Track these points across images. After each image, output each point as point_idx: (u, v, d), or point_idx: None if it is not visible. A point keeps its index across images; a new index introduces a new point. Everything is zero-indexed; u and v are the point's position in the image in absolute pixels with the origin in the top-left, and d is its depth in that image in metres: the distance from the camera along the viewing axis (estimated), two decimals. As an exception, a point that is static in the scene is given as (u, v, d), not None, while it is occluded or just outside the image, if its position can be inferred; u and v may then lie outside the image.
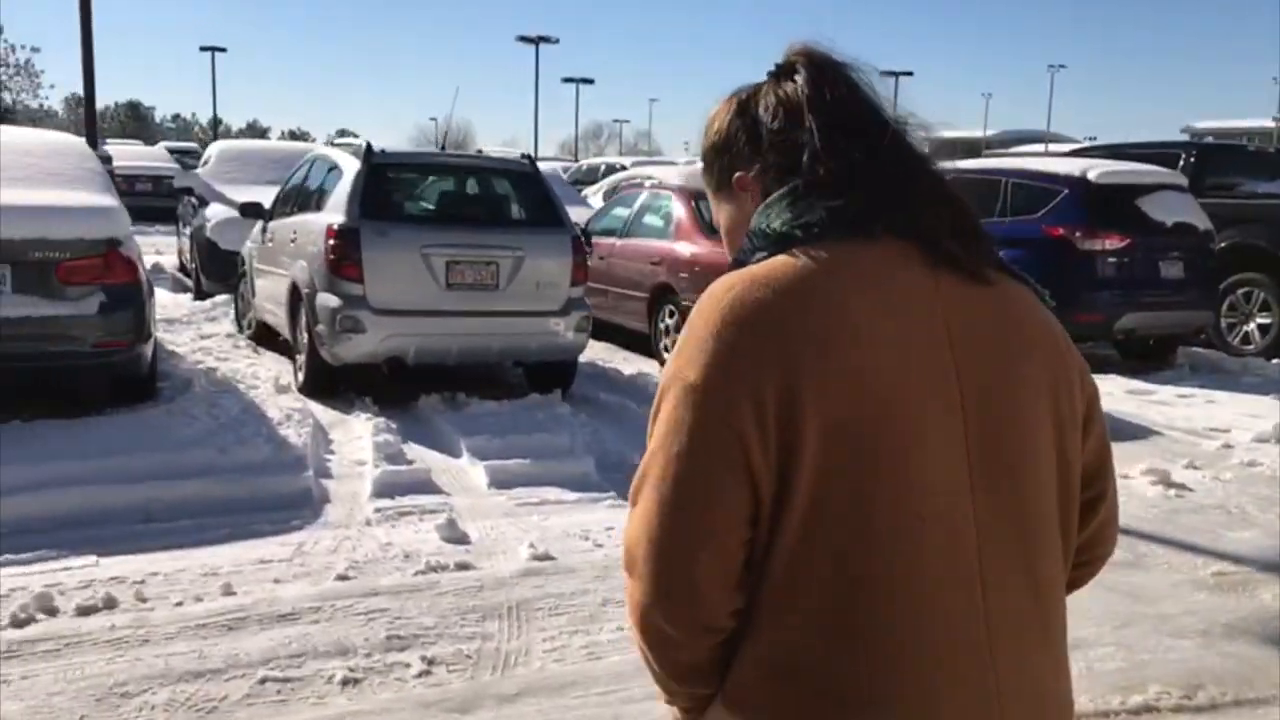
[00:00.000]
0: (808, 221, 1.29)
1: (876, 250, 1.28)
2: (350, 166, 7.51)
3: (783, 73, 1.41)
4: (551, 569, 4.61)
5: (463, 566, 4.58)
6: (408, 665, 3.70)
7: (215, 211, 12.01)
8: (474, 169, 8.14)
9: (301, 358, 7.67)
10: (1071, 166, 10.28)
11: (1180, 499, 6.08)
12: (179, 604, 4.11)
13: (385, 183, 7.49)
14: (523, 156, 8.16)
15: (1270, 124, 67.61)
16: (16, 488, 5.06)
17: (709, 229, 9.28)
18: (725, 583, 1.24)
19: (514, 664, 3.75)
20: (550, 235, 7.58)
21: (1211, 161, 11.83)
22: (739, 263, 1.33)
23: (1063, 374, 1.34)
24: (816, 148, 1.32)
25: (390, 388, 7.51)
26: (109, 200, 6.94)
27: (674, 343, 5.06)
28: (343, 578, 4.41)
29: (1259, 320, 11.00)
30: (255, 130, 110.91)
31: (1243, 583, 4.78)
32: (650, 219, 9.95)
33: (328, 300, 7.14)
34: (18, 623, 3.87)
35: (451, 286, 7.22)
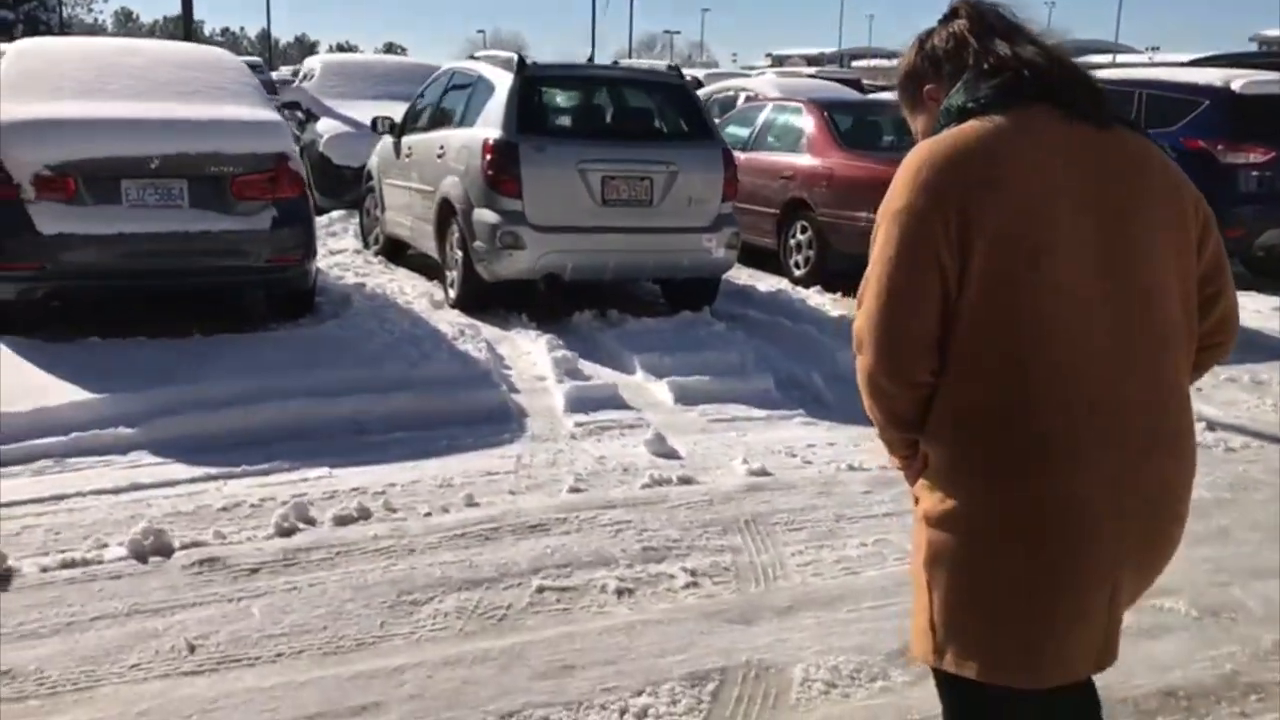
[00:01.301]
0: (977, 97, 1.80)
1: (1027, 112, 1.77)
2: (501, 80, 7.46)
3: (948, 17, 1.95)
4: (772, 484, 4.66)
5: (685, 481, 4.63)
6: (672, 576, 3.77)
7: (327, 126, 12.00)
8: (623, 81, 8.06)
9: (453, 274, 7.70)
10: (1212, 77, 10.01)
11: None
12: (428, 514, 4.20)
13: (538, 96, 7.44)
14: (669, 68, 8.06)
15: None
16: (228, 401, 5.17)
17: (844, 142, 9.18)
18: (927, 345, 1.73)
19: (774, 577, 3.81)
20: (702, 149, 7.52)
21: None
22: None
23: (1180, 198, 1.81)
24: (978, 51, 1.85)
25: (544, 304, 7.55)
26: (273, 114, 6.96)
27: (805, 259, 8.16)
28: (575, 490, 4.48)
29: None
30: (304, 45, 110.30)
31: None
32: (778, 133, 9.83)
33: (486, 216, 7.15)
34: (283, 532, 3.98)
35: (607, 202, 7.20)
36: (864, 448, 5.19)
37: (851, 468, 4.88)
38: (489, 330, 6.98)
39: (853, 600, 3.65)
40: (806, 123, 9.47)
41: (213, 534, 3.93)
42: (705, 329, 7.07)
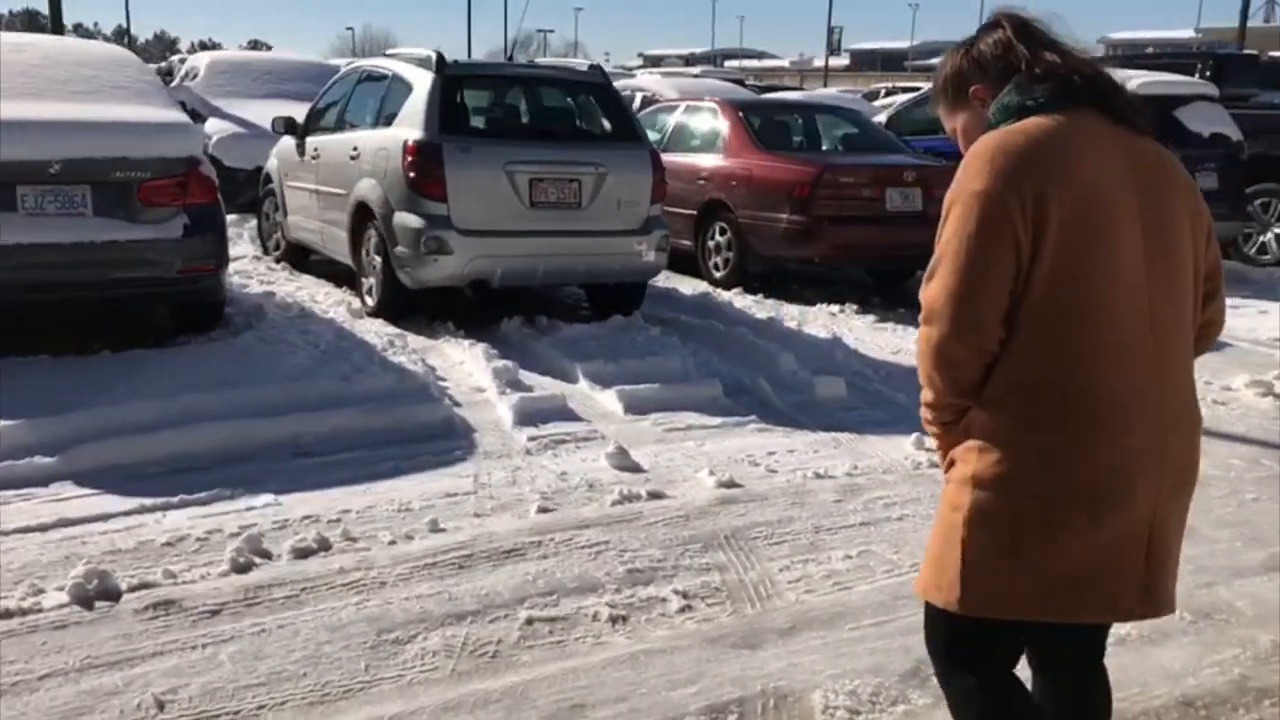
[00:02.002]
0: (1034, 98, 1.98)
1: (1079, 115, 1.96)
2: (419, 79, 7.17)
3: (990, 26, 2.12)
4: (743, 496, 4.52)
5: (655, 495, 4.46)
6: (664, 600, 3.59)
7: (216, 127, 11.48)
8: (547, 81, 7.83)
9: (371, 281, 7.38)
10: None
11: (1289, 409, 6.17)
12: (392, 543, 3.94)
13: (460, 96, 7.18)
14: (591, 67, 7.87)
15: (1190, 34, 68.61)
16: (155, 424, 4.81)
17: (761, 143, 9.12)
18: (998, 317, 1.89)
19: (767, 596, 3.67)
20: (629, 151, 7.35)
21: (1227, 72, 11.90)
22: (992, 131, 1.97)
23: (1194, 202, 2.01)
24: (1029, 57, 2.03)
25: (468, 311, 7.29)
26: (181, 115, 6.55)
27: (725, 261, 8.19)
28: (544, 510, 4.27)
29: (1276, 230, 11.20)
30: (164, 42, 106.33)
31: (1406, 493, 4.87)
32: (693, 135, 9.71)
33: (409, 220, 6.85)
34: (239, 567, 3.67)
35: (535, 205, 6.98)
36: (824, 454, 5.11)
37: (819, 475, 4.78)
38: (416, 340, 6.70)
39: (852, 618, 3.53)
40: (722, 124, 9.38)
41: (162, 573, 3.61)
42: (641, 334, 6.91)
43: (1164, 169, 1.99)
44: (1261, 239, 11.28)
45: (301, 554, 3.80)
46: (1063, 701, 2.23)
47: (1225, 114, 10.35)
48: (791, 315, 7.97)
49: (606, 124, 7.54)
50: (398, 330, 6.78)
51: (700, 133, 9.64)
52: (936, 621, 2.13)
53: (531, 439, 5.11)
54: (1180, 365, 1.99)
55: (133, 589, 3.50)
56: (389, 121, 7.30)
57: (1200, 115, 10.10)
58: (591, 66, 7.89)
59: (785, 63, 57.68)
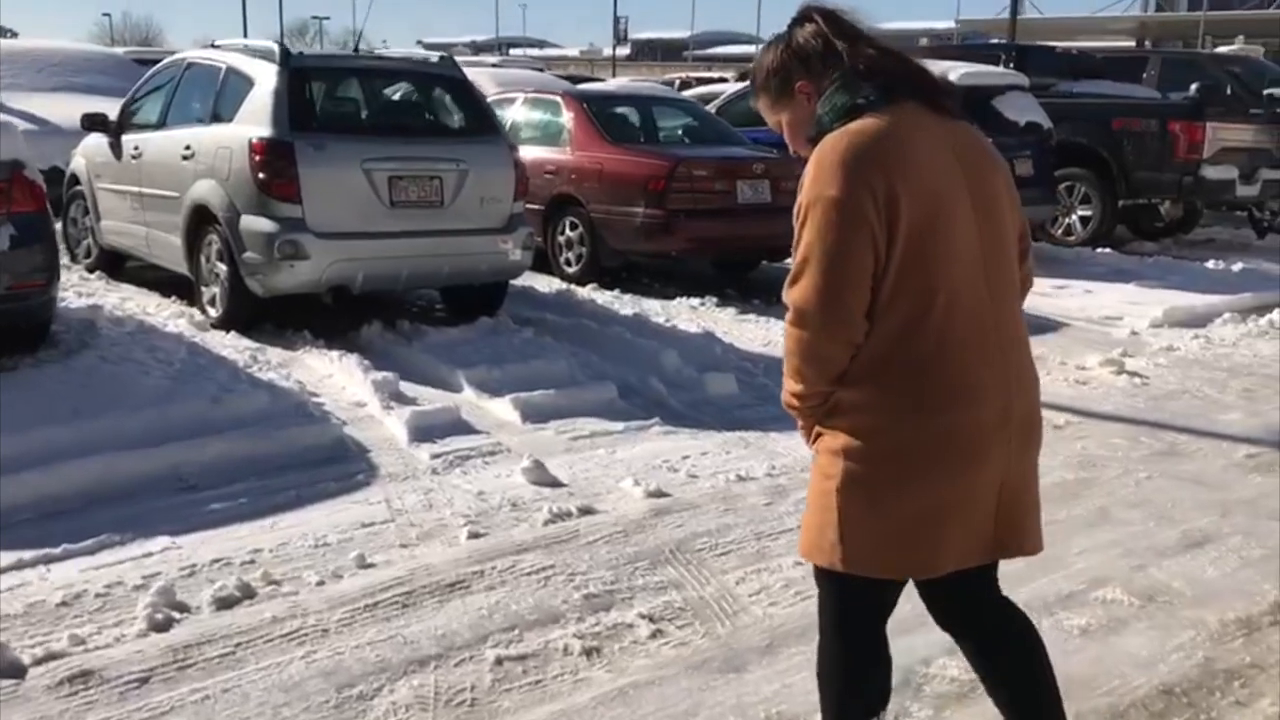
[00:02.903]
0: (865, 96, 2.09)
1: (907, 109, 2.09)
2: (261, 72, 6.67)
3: (801, 20, 2.22)
4: (674, 505, 4.37)
5: (586, 511, 4.26)
6: (631, 626, 3.41)
7: (1, 123, 10.40)
8: (400, 73, 7.42)
9: (213, 290, 6.84)
10: (931, 69, 10.56)
11: (1146, 387, 6.49)
12: (320, 583, 3.60)
13: (309, 90, 6.71)
14: (442, 58, 7.52)
15: (951, 25, 72.39)
16: (13, 464, 4.26)
17: (610, 135, 8.97)
18: (863, 310, 2.03)
19: (733, 613, 3.53)
20: (489, 146, 7.06)
21: (1029, 63, 12.50)
22: (821, 132, 2.10)
23: (1007, 176, 2.19)
24: (848, 50, 2.13)
25: (321, 318, 6.85)
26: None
27: (577, 257, 7.94)
28: (475, 535, 4.01)
29: (1080, 213, 11.86)
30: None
31: (1274, 463, 5.17)
32: (536, 128, 9.46)
33: (258, 224, 6.37)
34: (157, 625, 3.28)
35: (395, 205, 6.62)
36: (736, 455, 5.02)
37: (740, 478, 4.68)
38: (276, 353, 6.24)
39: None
40: (567, 117, 9.17)
41: (68, 638, 3.17)
42: (515, 337, 6.65)
43: (982, 149, 2.17)
44: (1067, 220, 11.92)
45: (224, 604, 3.43)
46: (991, 649, 2.37)
47: (1035, 103, 10.87)
48: (655, 311, 7.86)
49: (464, 118, 7.22)
50: (254, 343, 6.29)
51: (543, 126, 9.39)
52: (828, 581, 2.25)
53: (434, 456, 4.81)
54: (1017, 330, 2.19)
55: (38, 661, 3.07)
56: (229, 118, 6.76)
57: (1015, 104, 10.56)
58: (442, 58, 7.54)
59: (574, 52, 57.76)
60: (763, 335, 7.35)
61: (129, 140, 7.73)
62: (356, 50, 7.37)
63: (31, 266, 5.57)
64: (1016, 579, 3.78)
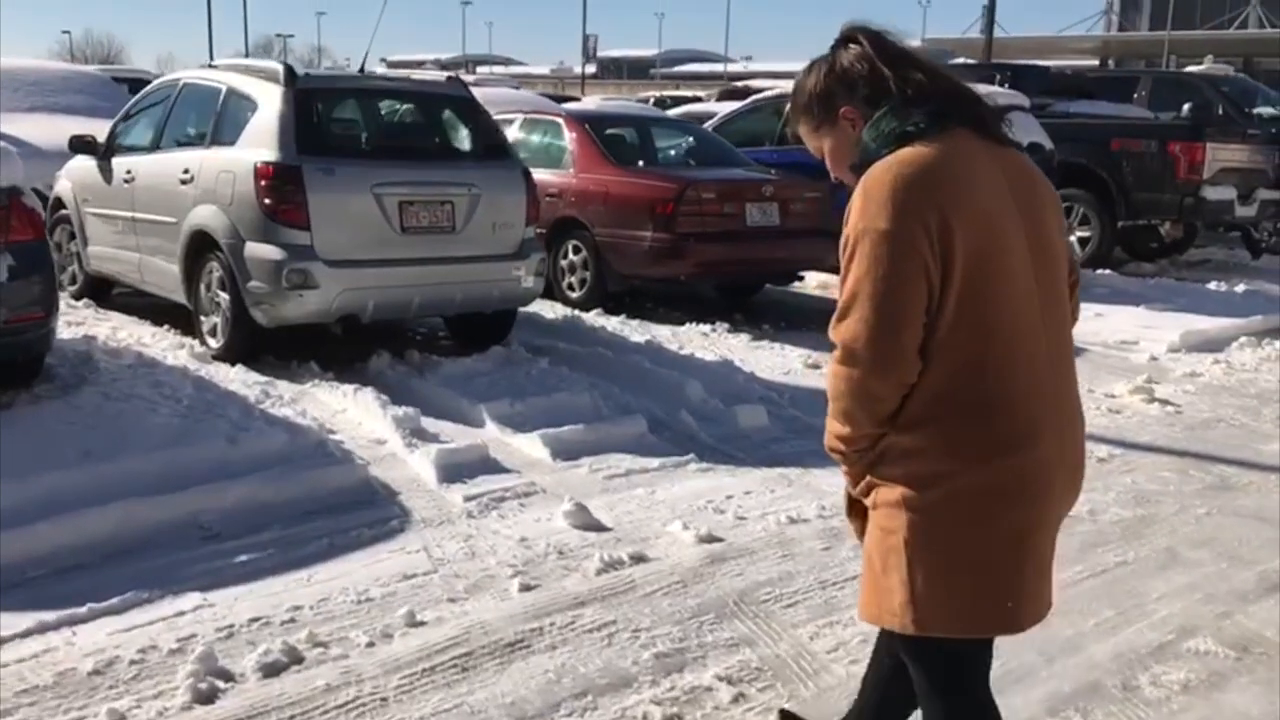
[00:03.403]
0: (915, 123, 1.99)
1: (958, 136, 2.00)
2: (265, 93, 6.41)
3: (845, 41, 2.13)
4: (728, 552, 4.15)
5: (638, 559, 4.03)
6: (710, 689, 3.18)
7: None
8: (408, 94, 7.18)
9: (214, 319, 6.56)
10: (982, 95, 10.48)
11: (1180, 415, 6.35)
12: (371, 645, 3.35)
13: (316, 112, 6.46)
14: (449, 79, 7.30)
15: (917, 44, 72.90)
16: (21, 514, 3.98)
17: (616, 158, 8.77)
18: (916, 347, 1.93)
19: (813, 672, 3.31)
20: (501, 169, 6.84)
21: (1023, 82, 12.44)
22: (867, 160, 2.01)
23: (1056, 203, 2.13)
24: (895, 78, 2.03)
25: (324, 349, 6.59)
26: (-7, 138, 5.58)
27: (581, 281, 8.40)
28: (526, 588, 3.76)
29: (1079, 234, 11.78)
30: None
31: (1331, 496, 5.02)
32: (537, 149, 9.22)
33: (265, 252, 6.11)
34: (202, 697, 3.01)
35: (406, 230, 6.37)
36: (781, 494, 4.81)
37: (792, 520, 4.47)
38: (285, 387, 5.96)
39: (918, 689, 3.22)
40: (570, 138, 8.96)
41: (106, 713, 2.90)
42: (532, 367, 6.41)
43: (1032, 176, 2.08)
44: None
45: (271, 670, 3.16)
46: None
47: (1036, 124, 10.78)
48: (666, 338, 7.65)
49: (474, 141, 6.99)
50: (263, 377, 6.01)
51: (544, 147, 9.17)
52: (913, 647, 2.13)
53: (468, 499, 4.56)
54: (1070, 365, 2.12)
55: (77, 742, 2.79)
56: (230, 141, 6.50)
57: (1017, 125, 10.35)
58: (450, 78, 7.32)
59: (545, 70, 57.52)
60: (780, 363, 7.15)
61: (120, 163, 7.44)
62: (362, 70, 7.13)
63: (30, 298, 5.28)
64: (1103, 630, 3.61)
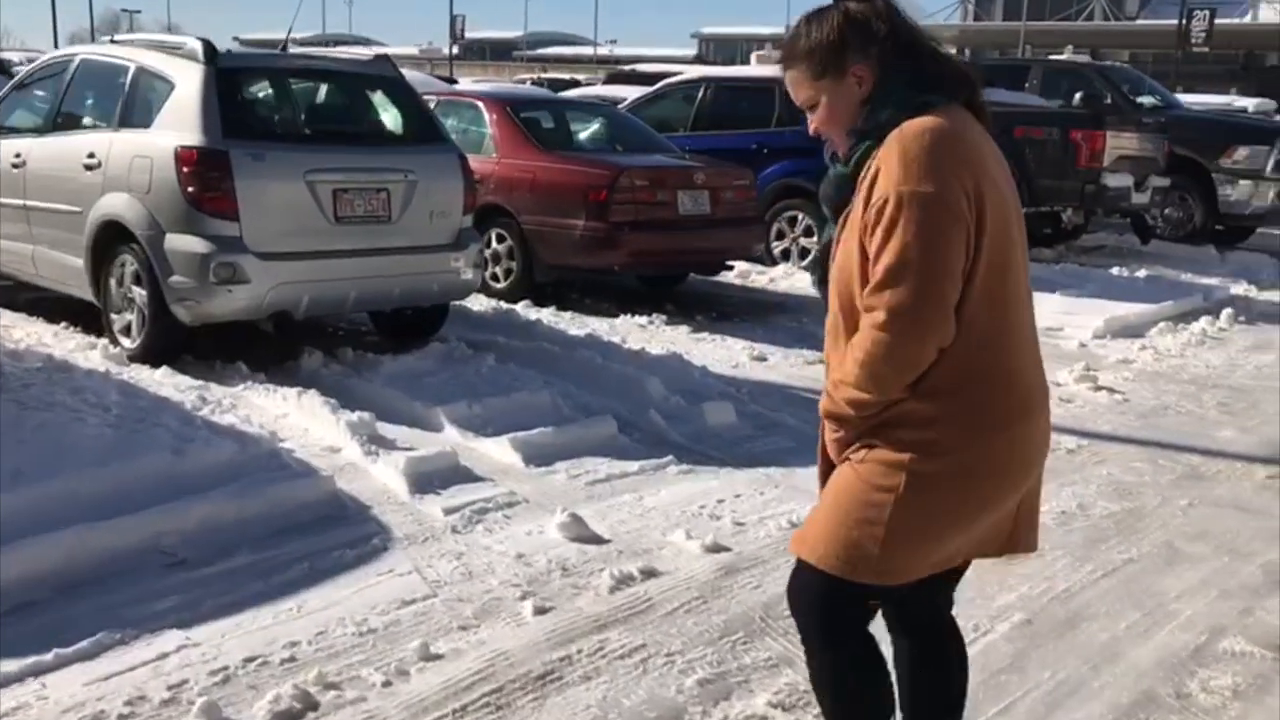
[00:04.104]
0: (933, 95, 2.00)
1: (961, 111, 2.03)
2: (183, 72, 5.92)
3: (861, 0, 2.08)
4: (739, 562, 3.95)
5: (649, 574, 3.79)
6: (765, 718, 2.98)
7: None
8: (337, 74, 6.71)
9: (127, 317, 6.05)
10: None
11: (1128, 403, 6.41)
12: (388, 684, 3.03)
13: (240, 93, 6.00)
14: (377, 58, 6.88)
15: (780, 30, 73.92)
16: (-47, 545, 3.52)
17: (542, 143, 8.46)
18: (953, 305, 1.94)
19: (865, 691, 3.14)
20: (438, 155, 6.48)
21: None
22: (877, 126, 2.01)
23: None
24: (918, 48, 2.06)
25: (252, 348, 6.15)
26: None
27: (506, 271, 8.08)
28: (540, 611, 3.48)
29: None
30: None
31: (1298, 483, 5.09)
32: (453, 134, 8.80)
33: (188, 244, 5.63)
34: (212, 757, 2.67)
35: (341, 220, 5.97)
36: (770, 496, 4.63)
37: (792, 524, 4.27)
38: (220, 390, 5.51)
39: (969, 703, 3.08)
40: (490, 121, 8.59)
41: (104, 782, 2.54)
42: (477, 364, 6.09)
43: (1005, 162, 2.09)
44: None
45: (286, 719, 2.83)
46: (923, 656, 2.37)
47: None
48: (604, 330, 7.40)
49: (408, 125, 6.60)
50: (196, 380, 5.55)
51: (462, 132, 8.76)
52: (819, 587, 2.14)
53: (447, 511, 4.24)
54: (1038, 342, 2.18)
55: (80, 821, 2.42)
56: (143, 123, 5.98)
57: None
58: (378, 57, 6.89)
59: (414, 50, 56.24)
60: (727, 356, 6.97)
61: (6, 147, 6.80)
62: (285, 48, 6.64)
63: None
64: (1137, 634, 3.53)
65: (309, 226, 5.84)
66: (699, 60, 68.18)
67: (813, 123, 2.14)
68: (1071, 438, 5.57)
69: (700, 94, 11.02)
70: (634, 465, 4.86)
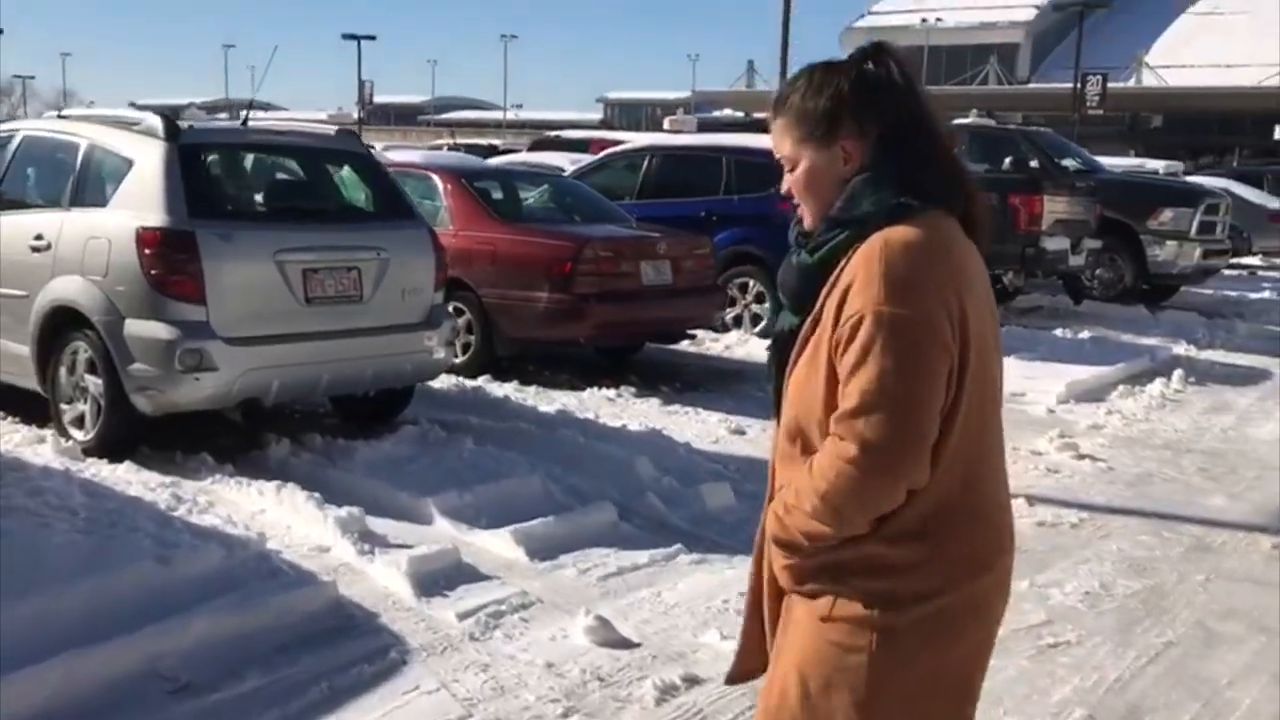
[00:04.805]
0: (913, 199, 1.79)
1: (947, 219, 1.82)
2: (142, 148, 5.61)
3: (878, 61, 1.86)
4: (779, 661, 3.74)
5: (691, 681, 3.56)
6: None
7: None
8: (301, 150, 6.45)
9: (79, 408, 5.67)
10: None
11: (1113, 471, 6.39)
12: (444, 826, 2.76)
13: (203, 170, 5.70)
14: (339, 132, 6.64)
15: (687, 94, 75.04)
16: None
17: (500, 214, 8.28)
18: (930, 444, 1.73)
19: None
20: (408, 230, 6.25)
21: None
22: (862, 217, 1.80)
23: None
24: (914, 138, 1.83)
25: (210, 437, 5.81)
26: None
27: (465, 346, 7.45)
28: (589, 730, 3.24)
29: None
30: None
31: (1301, 552, 5.07)
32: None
33: (151, 330, 5.30)
34: None
35: (311, 301, 5.69)
36: (790, 586, 4.43)
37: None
38: (189, 485, 5.15)
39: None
40: (445, 191, 8.36)
41: None
42: (456, 448, 5.81)
43: (987, 276, 1.91)
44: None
45: None
46: None
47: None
48: (574, 406, 7.18)
49: (376, 200, 6.37)
50: (163, 476, 5.18)
51: (417, 204, 8.53)
52: None
53: (460, 616, 3.98)
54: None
55: None
56: (96, 201, 5.66)
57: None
58: (340, 130, 6.66)
59: (322, 115, 55.70)
60: (705, 430, 6.81)
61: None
62: (245, 122, 6.36)
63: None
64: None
65: (278, 309, 5.56)
66: (605, 124, 68.90)
67: (787, 181, 1.94)
68: (1071, 511, 5.51)
69: (646, 162, 10.94)
70: (643, 556, 4.64)
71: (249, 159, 6.24)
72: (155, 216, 5.35)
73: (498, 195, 8.60)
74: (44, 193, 6.09)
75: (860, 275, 1.74)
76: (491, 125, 68.70)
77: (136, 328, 5.33)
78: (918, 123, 1.86)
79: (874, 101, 1.84)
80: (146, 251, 5.30)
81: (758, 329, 9.79)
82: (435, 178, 8.55)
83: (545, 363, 8.49)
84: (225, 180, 6.03)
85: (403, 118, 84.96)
